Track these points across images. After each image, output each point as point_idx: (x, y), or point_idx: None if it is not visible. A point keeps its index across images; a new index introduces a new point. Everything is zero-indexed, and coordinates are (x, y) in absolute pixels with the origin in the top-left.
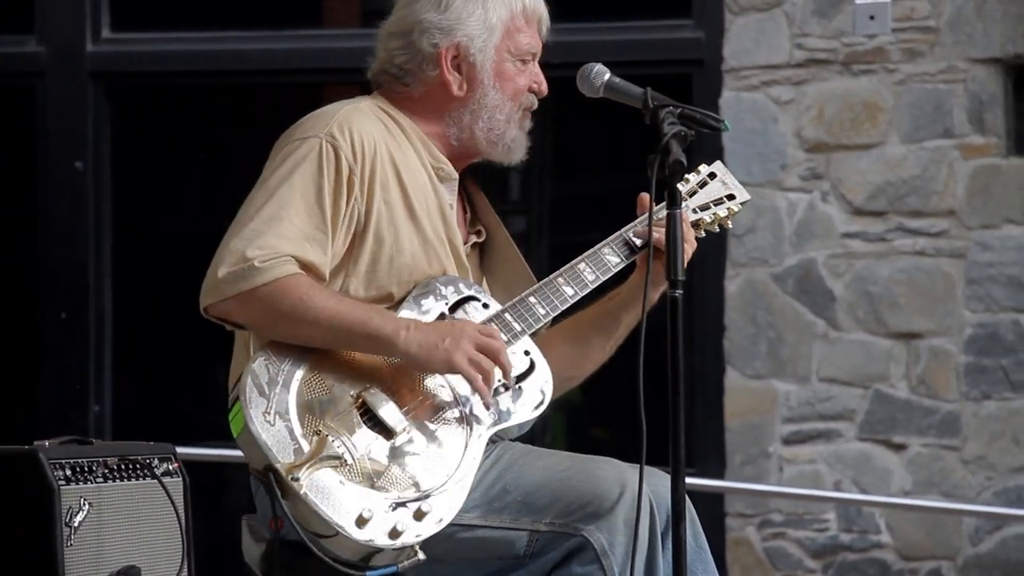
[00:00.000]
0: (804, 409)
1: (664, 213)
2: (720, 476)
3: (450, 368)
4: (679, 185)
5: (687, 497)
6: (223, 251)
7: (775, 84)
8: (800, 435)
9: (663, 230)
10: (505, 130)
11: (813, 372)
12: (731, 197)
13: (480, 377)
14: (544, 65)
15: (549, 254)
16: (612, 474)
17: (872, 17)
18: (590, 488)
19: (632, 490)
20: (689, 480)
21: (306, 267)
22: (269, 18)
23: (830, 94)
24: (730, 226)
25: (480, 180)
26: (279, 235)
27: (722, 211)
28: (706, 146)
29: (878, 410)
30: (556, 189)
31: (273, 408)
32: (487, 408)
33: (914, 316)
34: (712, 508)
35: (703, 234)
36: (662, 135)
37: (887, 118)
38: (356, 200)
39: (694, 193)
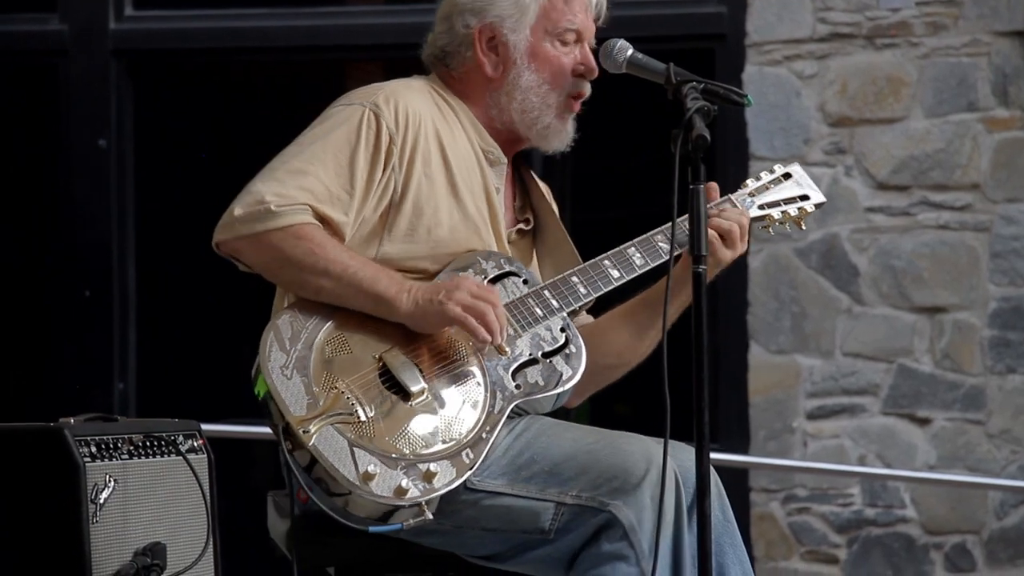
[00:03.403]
0: (828, 384)
1: (727, 206)
2: (744, 451)
3: (444, 318)
4: (748, 180)
5: (715, 472)
6: (244, 192)
7: (798, 58)
8: (824, 410)
9: (727, 223)
10: (540, 113)
11: (837, 347)
12: (804, 198)
13: (472, 319)
14: None
15: (571, 231)
16: (639, 450)
17: None
18: (617, 462)
19: (659, 467)
20: (713, 455)
21: (323, 221)
22: None
23: (853, 68)
24: (804, 228)
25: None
26: (302, 187)
27: (793, 210)
28: (729, 121)
29: (902, 384)
30: (577, 166)
31: (292, 363)
32: (484, 342)
33: (938, 290)
34: (736, 483)
35: (771, 233)
36: (685, 110)
37: (911, 92)
38: (394, 169)
39: (764, 190)
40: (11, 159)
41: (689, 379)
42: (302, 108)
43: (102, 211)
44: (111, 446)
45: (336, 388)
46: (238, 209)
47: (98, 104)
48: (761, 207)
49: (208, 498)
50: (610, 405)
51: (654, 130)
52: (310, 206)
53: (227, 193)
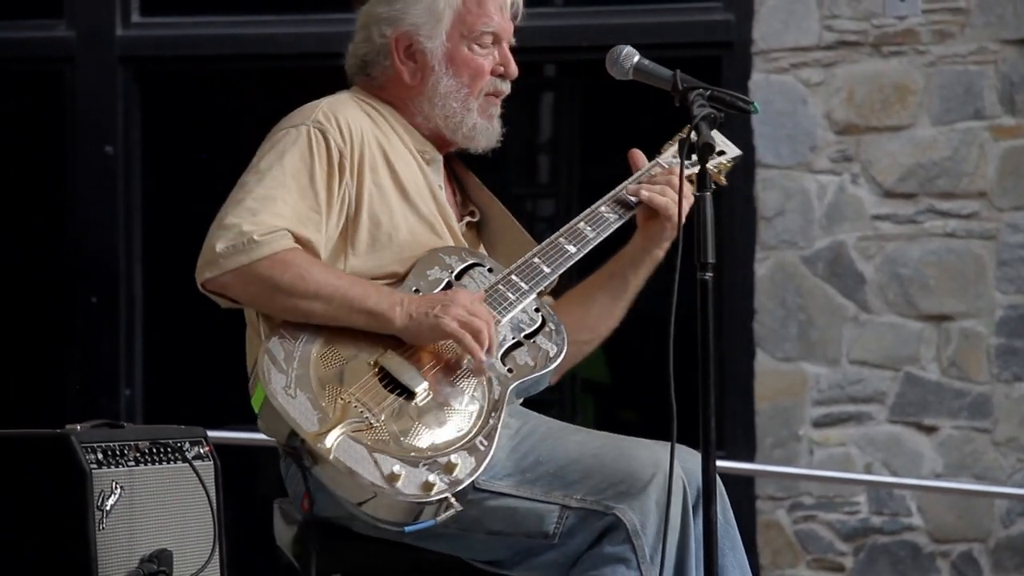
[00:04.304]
0: (834, 392)
1: (656, 170)
2: (750, 459)
3: (439, 332)
4: (665, 144)
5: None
6: (218, 227)
7: (805, 66)
8: (830, 418)
9: (658, 187)
10: (462, 117)
11: (843, 355)
12: (721, 153)
13: (468, 336)
14: (573, 48)
15: None
16: (646, 455)
17: None
18: (623, 466)
19: (666, 471)
20: (719, 463)
21: (302, 244)
22: (299, 2)
23: (860, 76)
24: (724, 182)
25: (467, 161)
26: (274, 213)
27: (712, 165)
28: (736, 128)
29: (909, 392)
30: (585, 173)
31: (293, 382)
32: (481, 368)
33: (945, 298)
34: (742, 491)
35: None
36: (692, 117)
37: (917, 100)
38: (347, 183)
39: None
40: (18, 165)
41: (695, 386)
42: None
43: (109, 217)
44: (118, 453)
45: (342, 399)
46: (219, 244)
47: (105, 110)
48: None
49: (214, 505)
50: (616, 411)
51: (660, 137)
52: (289, 230)
53: None
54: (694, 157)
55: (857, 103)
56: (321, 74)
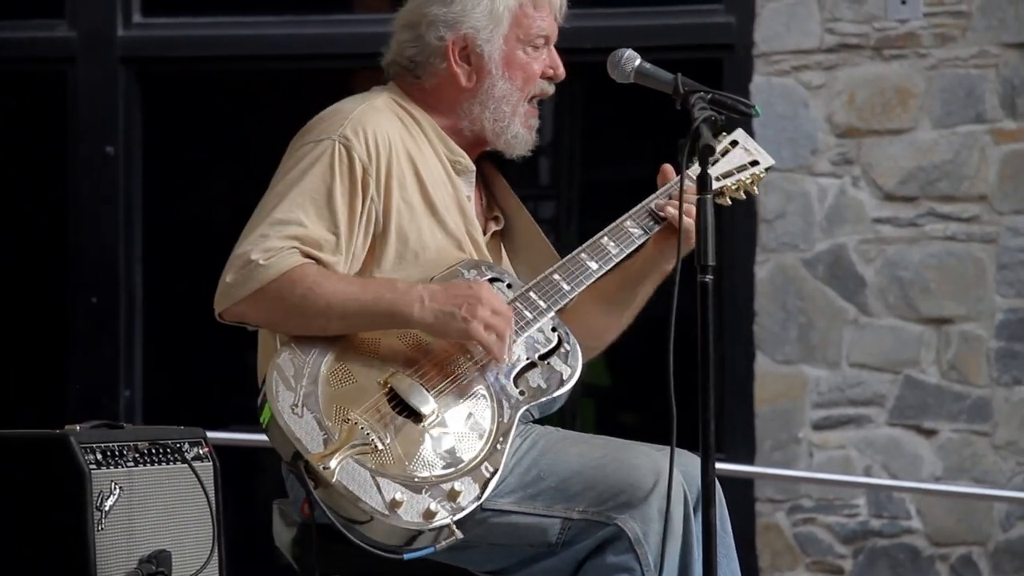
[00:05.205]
0: (834, 394)
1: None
2: (750, 461)
3: (465, 335)
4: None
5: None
6: (232, 257)
7: (806, 69)
8: (830, 420)
9: (686, 206)
10: (510, 122)
11: (843, 357)
12: (755, 163)
13: (495, 343)
14: (575, 50)
15: (578, 240)
16: (647, 464)
17: (904, 2)
18: (624, 477)
19: (666, 479)
20: (719, 465)
21: (313, 261)
22: (300, 3)
23: (861, 79)
24: (756, 192)
25: (498, 164)
26: (285, 237)
27: (746, 176)
28: None
29: (908, 395)
30: (586, 175)
31: (300, 400)
32: (503, 362)
33: (945, 301)
34: (742, 494)
35: (729, 202)
36: (693, 120)
37: (918, 103)
38: (372, 200)
39: (716, 162)
40: (19, 165)
41: (695, 389)
42: (310, 116)
43: (109, 218)
44: (117, 453)
45: (349, 420)
46: (229, 276)
47: (106, 111)
48: (716, 179)
49: (213, 506)
50: (616, 414)
51: (661, 138)
52: (297, 248)
53: (235, 200)
54: (715, 175)
55: (858, 106)
56: (321, 74)
